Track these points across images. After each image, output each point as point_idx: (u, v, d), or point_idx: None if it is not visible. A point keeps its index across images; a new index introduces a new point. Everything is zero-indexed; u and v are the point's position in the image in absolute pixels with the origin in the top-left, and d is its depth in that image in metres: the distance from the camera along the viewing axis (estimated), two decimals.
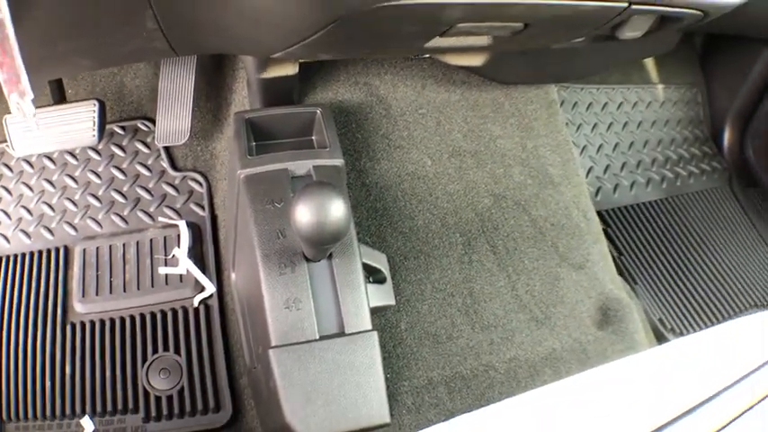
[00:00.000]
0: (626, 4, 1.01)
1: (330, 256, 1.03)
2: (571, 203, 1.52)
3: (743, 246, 1.89)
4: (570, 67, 1.55)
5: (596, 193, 1.82)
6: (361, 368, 0.98)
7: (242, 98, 1.36)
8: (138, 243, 1.33)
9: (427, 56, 1.35)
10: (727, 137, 2.14)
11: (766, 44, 2.01)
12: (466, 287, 1.31)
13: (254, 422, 1.18)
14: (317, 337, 0.97)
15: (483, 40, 1.12)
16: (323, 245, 0.93)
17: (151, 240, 1.33)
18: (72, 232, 1.36)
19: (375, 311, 1.08)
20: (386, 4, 0.83)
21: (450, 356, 1.26)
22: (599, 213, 1.67)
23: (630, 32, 1.16)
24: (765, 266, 1.79)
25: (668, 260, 1.77)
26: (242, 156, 1.12)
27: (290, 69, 1.24)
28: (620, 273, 1.58)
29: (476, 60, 1.32)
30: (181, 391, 1.20)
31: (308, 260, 1.01)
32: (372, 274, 1.13)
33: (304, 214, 0.88)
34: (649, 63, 2.14)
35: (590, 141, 1.89)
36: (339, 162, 1.12)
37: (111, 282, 1.30)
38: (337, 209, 0.88)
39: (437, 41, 1.06)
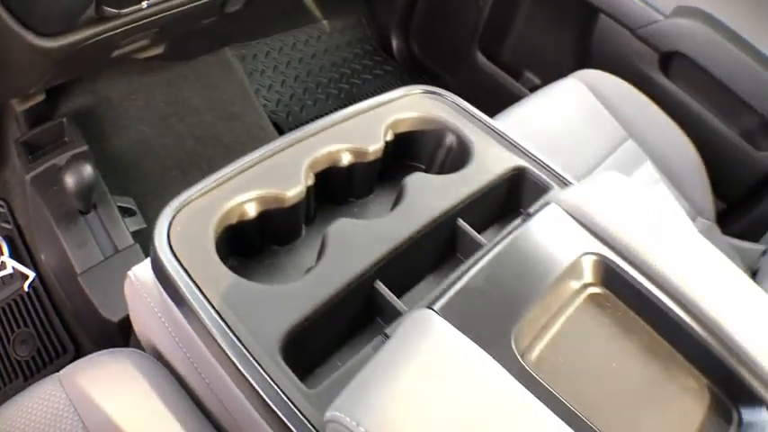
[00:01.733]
0: None
1: (95, 207, 1.43)
2: (252, 127, 1.89)
3: None
4: (230, 34, 1.92)
5: (287, 116, 2.07)
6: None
7: (13, 128, 1.61)
8: None
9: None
10: (395, 43, 2.37)
11: None
12: None
13: (90, 352, 1.51)
14: (103, 258, 1.38)
15: (145, 42, 1.43)
16: (84, 196, 1.34)
17: None
18: None
19: (135, 234, 1.46)
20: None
21: None
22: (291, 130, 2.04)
23: (232, 8, 1.46)
24: None
25: None
26: (24, 164, 1.48)
27: (40, 97, 1.55)
28: None
29: (156, 51, 1.66)
30: (39, 350, 1.45)
31: (82, 213, 1.42)
32: (126, 212, 1.53)
33: (69, 179, 1.29)
34: (311, 5, 2.37)
35: (274, 81, 2.14)
36: (84, 148, 1.51)
37: None
38: (86, 170, 1.30)
39: (116, 54, 1.38)
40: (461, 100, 1.02)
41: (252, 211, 0.82)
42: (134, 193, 1.62)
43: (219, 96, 1.92)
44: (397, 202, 0.87)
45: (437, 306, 0.67)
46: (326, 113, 1.93)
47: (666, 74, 1.78)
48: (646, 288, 0.77)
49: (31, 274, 1.54)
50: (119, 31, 1.16)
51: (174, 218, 0.78)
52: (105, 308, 1.34)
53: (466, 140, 0.96)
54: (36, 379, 1.38)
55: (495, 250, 0.76)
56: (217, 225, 0.79)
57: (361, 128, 0.93)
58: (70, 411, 0.84)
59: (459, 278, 0.72)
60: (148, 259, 0.84)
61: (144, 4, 1.14)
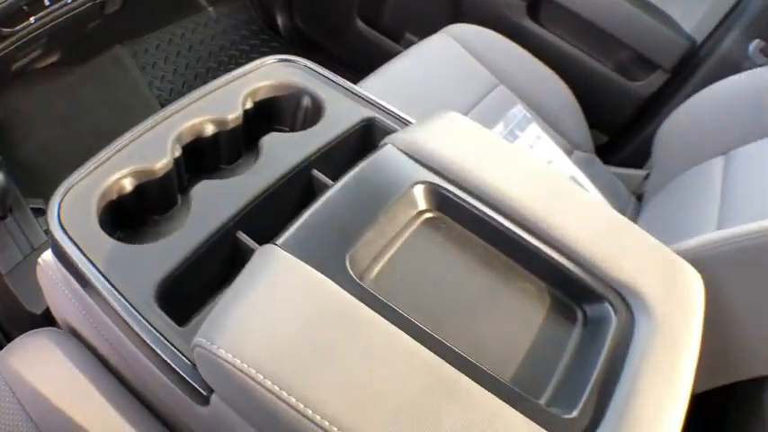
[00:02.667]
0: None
1: (11, 212, 1.53)
2: (145, 117, 1.99)
3: None
4: (119, 32, 2.01)
5: None
6: None
7: None
8: None
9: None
10: (279, 20, 2.43)
11: None
12: None
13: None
14: (23, 257, 1.49)
15: (39, 52, 1.53)
16: (1, 201, 1.44)
17: None
18: None
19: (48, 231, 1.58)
20: None
21: None
22: None
23: (111, 8, 1.56)
24: None
25: None
26: None
27: None
28: None
29: (53, 58, 1.76)
30: None
31: (0, 219, 1.51)
32: (39, 212, 1.60)
33: None
34: None
35: (165, 71, 2.22)
36: None
37: None
38: (0, 177, 1.40)
39: (15, 66, 1.47)
40: (314, 64, 1.12)
41: (128, 185, 0.92)
42: (45, 194, 1.66)
43: (114, 93, 2.02)
44: (255, 161, 0.98)
45: (279, 241, 0.77)
46: None
47: (536, 20, 1.89)
48: (477, 208, 0.85)
49: None
50: (12, 47, 1.26)
51: (61, 201, 0.88)
52: (30, 302, 1.43)
53: (319, 100, 1.06)
54: None
55: (333, 188, 0.85)
56: (99, 201, 0.89)
57: (222, 99, 1.02)
58: (6, 390, 0.94)
59: (300, 216, 0.81)
60: None
61: (31, 20, 1.24)
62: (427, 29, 1.84)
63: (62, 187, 0.90)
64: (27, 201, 1.59)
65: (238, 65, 2.18)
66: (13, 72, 1.52)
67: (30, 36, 1.28)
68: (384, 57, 1.87)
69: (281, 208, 0.94)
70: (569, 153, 1.71)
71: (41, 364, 0.97)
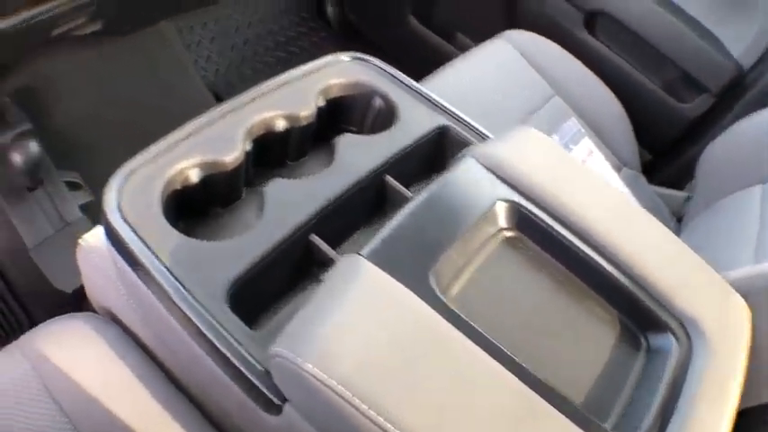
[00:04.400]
0: None
1: (42, 183, 1.45)
2: (192, 97, 1.92)
3: None
4: (166, 6, 1.89)
5: (226, 85, 2.13)
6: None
7: None
8: None
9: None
10: (329, 10, 2.39)
11: None
12: None
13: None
14: (53, 232, 1.43)
15: (83, 20, 1.44)
16: (31, 173, 1.38)
17: None
18: None
19: (83, 207, 1.49)
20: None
21: None
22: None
23: None
24: None
25: None
26: None
27: None
28: None
29: (94, 27, 1.62)
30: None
31: (29, 189, 1.43)
32: (73, 186, 1.54)
33: (16, 157, 1.34)
34: None
35: (211, 51, 2.18)
36: (28, 126, 1.48)
37: None
38: (32, 146, 1.36)
39: (55, 33, 1.39)
40: (387, 65, 1.09)
41: (194, 176, 0.88)
42: (79, 168, 1.64)
43: (158, 69, 1.95)
44: (328, 162, 0.94)
45: (364, 252, 0.74)
46: (264, 81, 1.90)
47: (592, 32, 1.85)
48: (555, 229, 0.84)
49: None
50: (58, 11, 1.19)
51: (122, 186, 0.84)
52: (58, 280, 1.39)
53: (392, 103, 1.03)
54: None
55: (416, 201, 0.83)
56: (163, 190, 0.85)
57: (294, 94, 0.99)
58: (34, 377, 0.88)
59: (384, 227, 0.79)
60: (98, 227, 0.90)
61: None
62: (480, 31, 1.80)
63: (122, 171, 0.85)
64: (60, 173, 1.53)
65: (286, 52, 2.24)
66: (52, 38, 1.46)
67: (78, 1, 1.22)
68: (435, 55, 1.85)
69: (350, 211, 0.92)
70: (618, 169, 1.68)
71: (78, 350, 0.93)
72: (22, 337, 0.94)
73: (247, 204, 0.96)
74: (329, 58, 1.06)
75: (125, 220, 0.80)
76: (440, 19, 2.16)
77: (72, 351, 0.92)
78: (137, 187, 0.84)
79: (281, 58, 2.29)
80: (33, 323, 1.44)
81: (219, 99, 2.02)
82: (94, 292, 0.99)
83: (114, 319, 0.96)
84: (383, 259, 0.73)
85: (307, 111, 0.98)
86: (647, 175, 1.82)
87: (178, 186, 0.88)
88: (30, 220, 1.45)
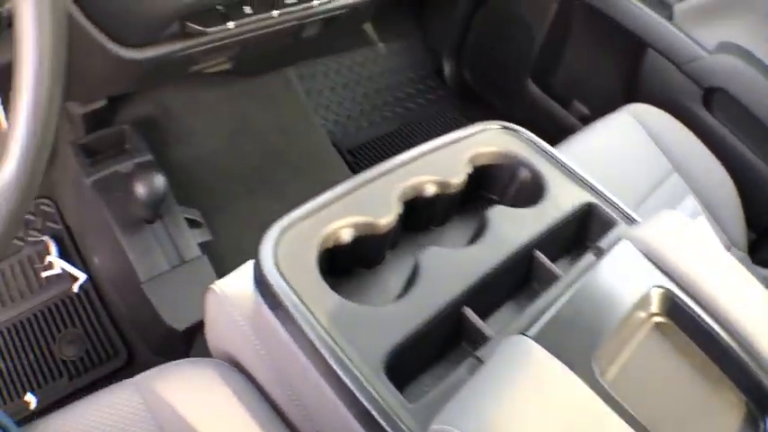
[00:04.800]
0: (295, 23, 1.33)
1: (161, 217, 1.46)
2: (314, 146, 1.96)
3: None
4: (293, 54, 1.97)
5: (344, 136, 2.14)
6: (201, 279, 1.41)
7: (65, 129, 1.62)
8: (18, 261, 1.58)
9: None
10: (447, 69, 2.42)
11: None
12: (254, 216, 1.60)
13: (144, 358, 1.50)
14: (169, 268, 1.43)
15: (221, 59, 1.48)
16: (154, 206, 1.38)
17: (28, 256, 1.58)
18: None
19: (202, 245, 1.50)
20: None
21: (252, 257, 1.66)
22: (349, 151, 2.08)
23: (308, 33, 1.48)
24: None
25: None
26: (83, 167, 1.49)
27: (101, 102, 1.55)
28: None
29: (224, 66, 1.64)
30: (87, 351, 1.48)
31: (147, 222, 1.44)
32: (192, 223, 1.54)
33: (140, 188, 1.33)
34: (368, 26, 2.40)
35: (331, 101, 2.21)
36: (150, 157, 1.54)
37: (9, 294, 1.53)
38: (158, 179, 1.34)
39: (193, 69, 1.43)
40: (534, 136, 1.09)
41: (347, 236, 0.89)
42: (198, 206, 1.66)
43: (282, 114, 1.98)
44: (480, 233, 0.94)
45: (531, 333, 0.74)
46: (381, 136, 2.02)
47: (708, 108, 1.83)
48: (703, 319, 0.86)
49: (82, 276, 1.58)
50: (202, 48, 1.21)
51: (278, 239, 0.84)
52: (170, 316, 1.39)
53: (540, 176, 1.03)
54: (83, 379, 1.47)
55: (578, 283, 0.84)
56: (319, 247, 0.85)
57: (445, 160, 0.99)
58: (146, 417, 0.87)
59: (546, 308, 0.80)
60: (233, 274, 0.91)
61: (230, 25, 1.19)
62: (599, 100, 1.83)
63: (279, 224, 0.86)
64: (180, 209, 1.54)
65: (404, 107, 2.28)
66: (186, 74, 1.50)
67: (223, 42, 1.23)
68: (551, 121, 1.84)
69: (499, 284, 0.92)
70: (728, 249, 1.64)
71: (200, 394, 0.91)
72: (139, 376, 0.93)
73: (390, 267, 0.96)
74: (479, 126, 1.07)
75: (281, 275, 0.81)
76: (558, 85, 2.17)
77: (193, 394, 0.92)
78: (293, 242, 0.84)
79: (397, 114, 2.32)
80: (131, 354, 1.50)
81: (338, 150, 2.06)
82: (218, 337, 0.99)
83: (238, 367, 0.96)
84: (549, 342, 0.73)
85: (457, 178, 0.98)
86: (752, 255, 1.79)
87: (330, 245, 0.88)
88: (145, 252, 1.45)
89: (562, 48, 2.12)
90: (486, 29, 2.30)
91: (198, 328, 1.39)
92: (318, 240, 0.86)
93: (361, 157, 2.13)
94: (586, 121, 1.76)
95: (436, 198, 0.98)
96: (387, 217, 0.90)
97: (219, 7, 1.15)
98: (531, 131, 1.09)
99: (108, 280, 1.54)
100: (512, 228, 0.94)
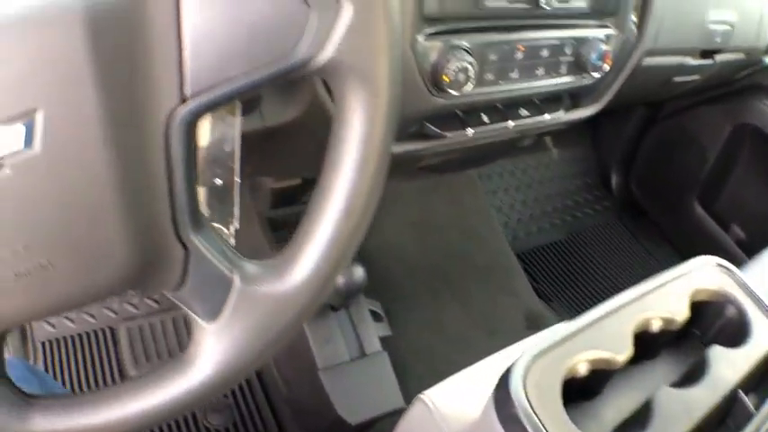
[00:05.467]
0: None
1: (347, 307, 1.47)
2: (495, 249, 1.98)
3: (635, 265, 2.27)
4: (485, 157, 1.97)
5: (513, 239, 2.17)
6: (379, 375, 1.45)
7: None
8: (173, 319, 1.62)
9: None
10: (614, 181, 2.45)
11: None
12: (436, 318, 1.71)
13: None
14: (349, 359, 1.44)
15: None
16: (348, 295, 1.36)
17: (184, 316, 1.54)
18: (112, 315, 1.58)
19: (381, 340, 1.50)
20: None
21: (431, 361, 1.63)
22: (517, 255, 2.07)
23: (524, 143, 1.51)
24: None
25: (576, 284, 2.14)
26: (268, 241, 1.51)
27: (297, 180, 1.53)
28: (539, 296, 1.99)
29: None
30: (235, 423, 1.48)
31: (333, 309, 1.45)
32: (374, 315, 1.55)
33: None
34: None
35: (503, 202, 2.25)
36: None
37: (156, 349, 1.55)
38: (357, 270, 1.34)
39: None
40: (743, 274, 1.08)
41: (583, 369, 0.89)
42: (380, 298, 1.66)
43: (465, 214, 2.00)
44: (699, 373, 0.93)
45: None
46: (549, 243, 2.08)
47: None
48: None
49: None
50: (436, 150, 1.23)
51: (528, 368, 0.84)
52: (344, 408, 1.38)
53: (746, 316, 1.01)
54: None
55: None
56: (562, 380, 0.85)
57: (668, 296, 0.99)
58: None
59: None
60: (441, 387, 0.91)
61: (469, 131, 1.19)
62: (757, 226, 1.85)
63: (532, 351, 0.86)
64: (367, 301, 1.54)
65: (572, 216, 2.31)
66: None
67: (453, 146, 1.24)
68: (710, 242, 1.95)
69: (708, 425, 0.90)
70: None
71: None
72: None
73: (604, 401, 0.95)
74: (697, 262, 1.06)
75: (530, 405, 0.80)
76: (720, 207, 2.16)
77: None
78: (538, 371, 0.84)
79: (566, 222, 2.35)
80: None
81: (517, 255, 2.06)
82: None
83: None
84: None
85: (681, 315, 0.97)
86: None
87: (567, 377, 0.89)
88: (327, 339, 1.46)
89: (730, 171, 2.12)
90: (656, 146, 2.32)
91: (369, 426, 1.40)
92: (563, 372, 0.86)
93: (530, 260, 2.14)
94: (743, 245, 1.80)
95: (661, 334, 0.97)
96: (624, 353, 0.89)
97: (458, 112, 1.18)
98: (690, 249, 1.08)
99: (281, 360, 1.55)
100: (726, 369, 0.93)
